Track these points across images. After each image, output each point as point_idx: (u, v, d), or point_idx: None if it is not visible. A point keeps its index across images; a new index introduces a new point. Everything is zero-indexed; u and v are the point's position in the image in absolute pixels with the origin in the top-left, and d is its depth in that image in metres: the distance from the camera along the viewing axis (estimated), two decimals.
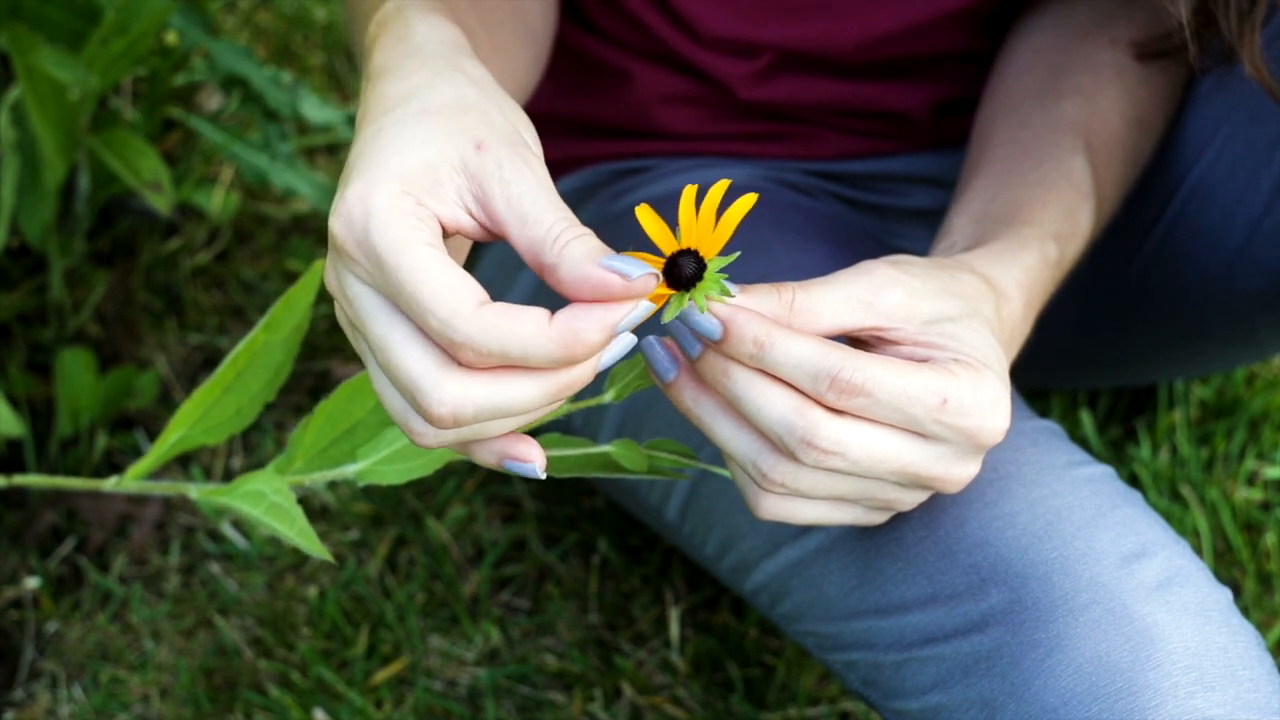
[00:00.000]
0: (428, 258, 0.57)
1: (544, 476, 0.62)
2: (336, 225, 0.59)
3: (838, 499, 0.67)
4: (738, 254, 0.63)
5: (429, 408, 0.58)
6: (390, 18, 0.68)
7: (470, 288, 0.57)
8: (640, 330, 0.69)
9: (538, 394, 0.58)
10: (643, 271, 0.57)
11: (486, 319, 0.56)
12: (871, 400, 0.64)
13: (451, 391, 0.57)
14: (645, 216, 0.61)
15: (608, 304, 0.57)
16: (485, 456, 0.62)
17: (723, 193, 0.61)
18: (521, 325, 0.56)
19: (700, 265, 0.61)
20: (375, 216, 0.58)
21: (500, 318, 0.56)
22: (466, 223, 0.60)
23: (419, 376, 0.58)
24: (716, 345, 0.64)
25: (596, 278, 0.57)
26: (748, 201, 0.61)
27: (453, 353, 0.57)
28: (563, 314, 0.57)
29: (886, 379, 0.64)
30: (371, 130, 0.61)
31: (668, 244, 0.62)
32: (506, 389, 0.58)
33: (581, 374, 0.58)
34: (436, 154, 0.60)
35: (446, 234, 0.60)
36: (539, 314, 0.57)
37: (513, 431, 0.61)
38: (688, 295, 0.62)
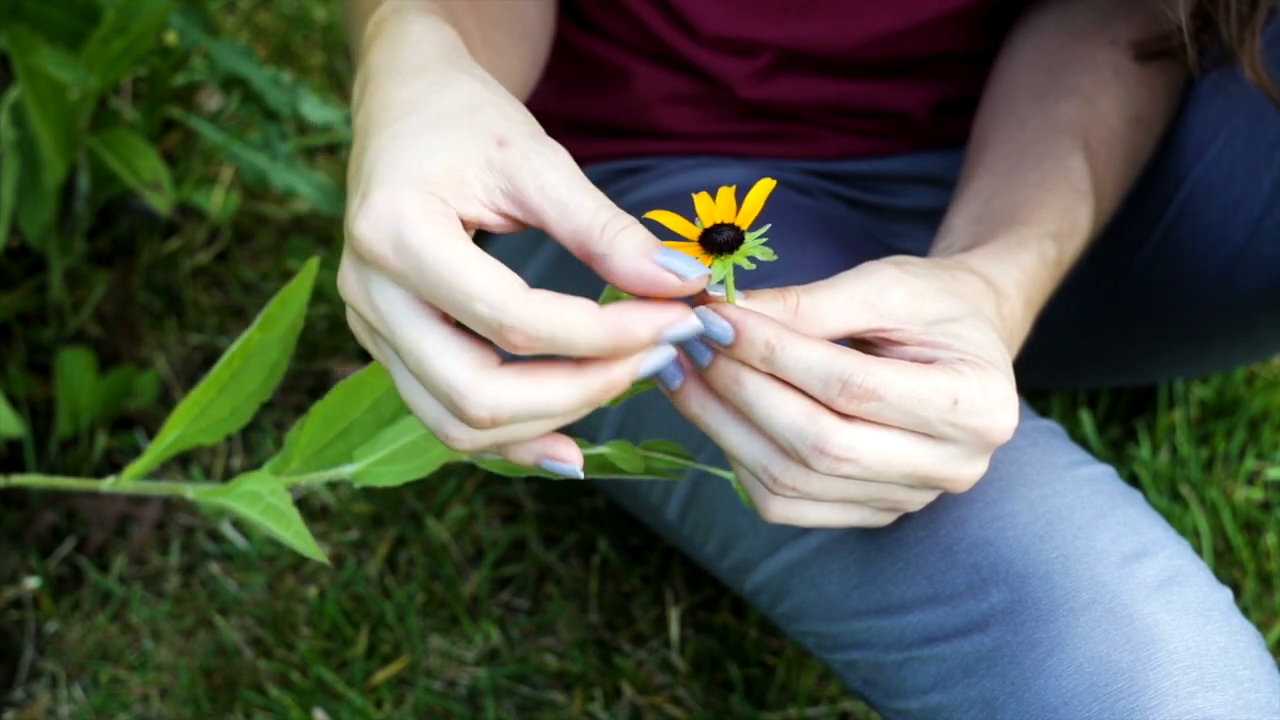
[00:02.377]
0: (468, 249, 0.57)
1: (584, 476, 0.62)
2: (364, 230, 0.58)
3: (847, 501, 0.68)
4: (769, 226, 0.64)
5: (467, 409, 0.58)
6: (388, 17, 0.68)
7: (513, 275, 0.57)
8: None
9: (575, 395, 0.58)
10: (699, 272, 0.57)
11: (537, 302, 0.56)
12: (883, 404, 0.64)
13: (490, 393, 0.57)
14: (663, 216, 0.62)
15: (661, 306, 0.57)
16: (523, 457, 0.62)
17: (733, 193, 0.62)
18: (572, 311, 0.57)
19: (737, 232, 0.62)
20: (407, 217, 0.58)
21: (551, 302, 0.57)
22: (492, 219, 0.60)
23: (457, 380, 0.58)
24: (728, 350, 0.64)
25: (653, 274, 0.57)
26: (765, 186, 0.61)
27: (502, 336, 0.57)
28: (611, 307, 0.57)
29: (897, 382, 0.64)
30: (384, 138, 0.61)
31: (690, 232, 0.62)
32: (545, 390, 0.58)
33: (619, 376, 0.58)
34: (458, 157, 0.60)
35: (468, 229, 0.60)
36: (588, 303, 0.57)
37: (550, 432, 0.61)
38: (730, 259, 0.62)
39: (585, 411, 0.60)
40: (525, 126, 0.61)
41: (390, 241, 0.58)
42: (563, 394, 0.58)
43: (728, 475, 0.72)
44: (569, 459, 0.61)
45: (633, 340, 0.57)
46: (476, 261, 0.57)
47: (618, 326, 0.57)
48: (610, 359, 0.58)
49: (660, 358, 0.59)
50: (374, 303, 0.60)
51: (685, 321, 0.58)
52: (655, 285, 0.57)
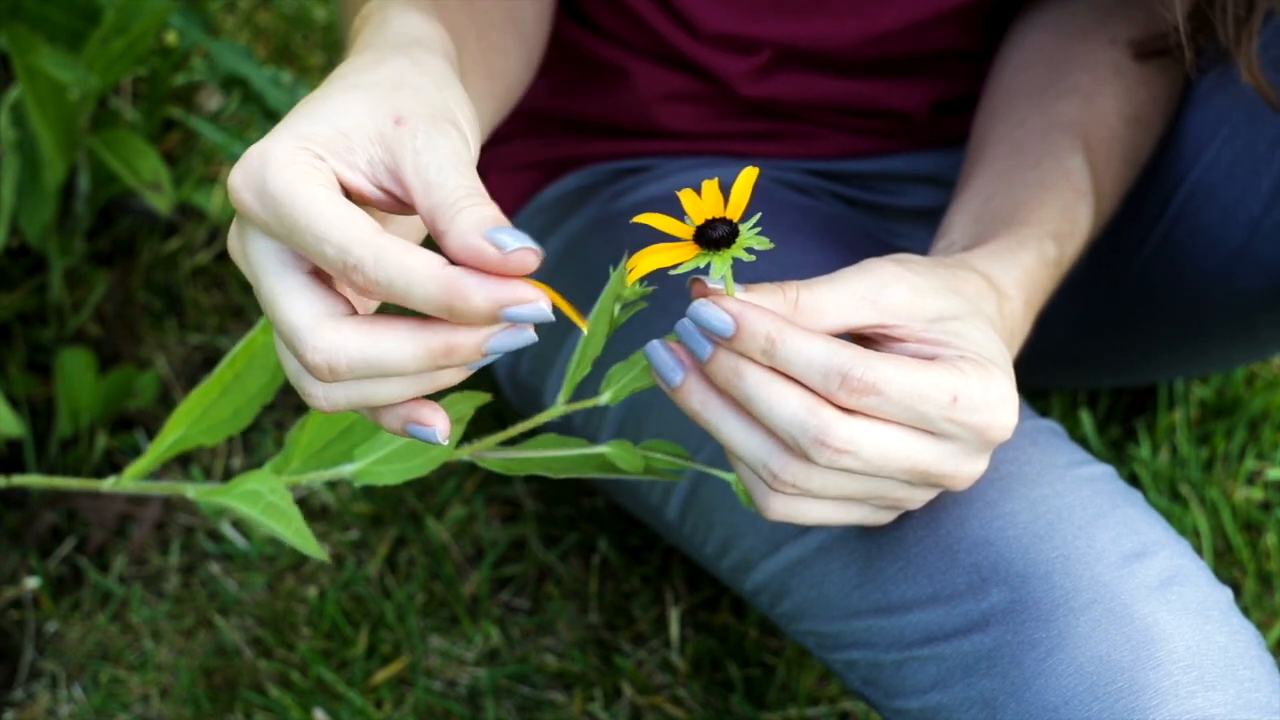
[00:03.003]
0: (324, 195, 0.57)
1: (445, 443, 0.62)
2: (235, 177, 0.59)
3: (847, 498, 0.67)
4: (760, 214, 0.64)
5: (305, 354, 0.58)
6: (373, 13, 0.69)
7: (367, 219, 0.57)
8: (647, 335, 0.69)
9: (414, 350, 0.58)
10: (520, 244, 0.56)
11: (382, 245, 0.56)
12: (883, 399, 0.64)
13: (327, 338, 0.57)
14: (652, 219, 0.62)
15: (506, 280, 0.56)
16: (390, 422, 0.61)
17: (717, 186, 0.62)
18: (413, 259, 0.56)
19: (731, 226, 0.61)
20: (271, 165, 0.58)
21: (395, 247, 0.56)
22: (374, 193, 0.60)
23: (298, 324, 0.58)
24: (728, 343, 0.63)
25: (475, 245, 0.56)
26: (750, 175, 0.61)
27: (347, 276, 0.57)
28: (457, 267, 0.57)
29: (897, 377, 0.64)
30: (299, 104, 0.62)
31: (683, 231, 0.62)
32: (381, 342, 0.58)
33: (463, 341, 0.58)
34: (352, 123, 0.60)
35: (352, 200, 0.60)
36: (433, 256, 0.57)
37: (417, 398, 0.61)
38: (715, 254, 0.62)
39: (438, 377, 0.59)
40: (430, 109, 0.61)
41: (254, 189, 0.58)
42: (400, 346, 0.58)
43: (727, 476, 0.72)
44: (430, 423, 0.61)
45: (465, 304, 0.56)
46: (332, 204, 0.57)
47: (452, 283, 0.56)
48: (452, 322, 0.58)
49: (513, 338, 0.58)
50: (247, 255, 0.60)
51: (533, 305, 0.57)
52: (478, 256, 0.56)
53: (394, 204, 0.61)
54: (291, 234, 0.58)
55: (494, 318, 0.57)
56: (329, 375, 0.58)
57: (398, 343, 0.58)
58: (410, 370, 0.58)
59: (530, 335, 0.58)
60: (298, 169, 0.58)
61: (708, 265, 0.62)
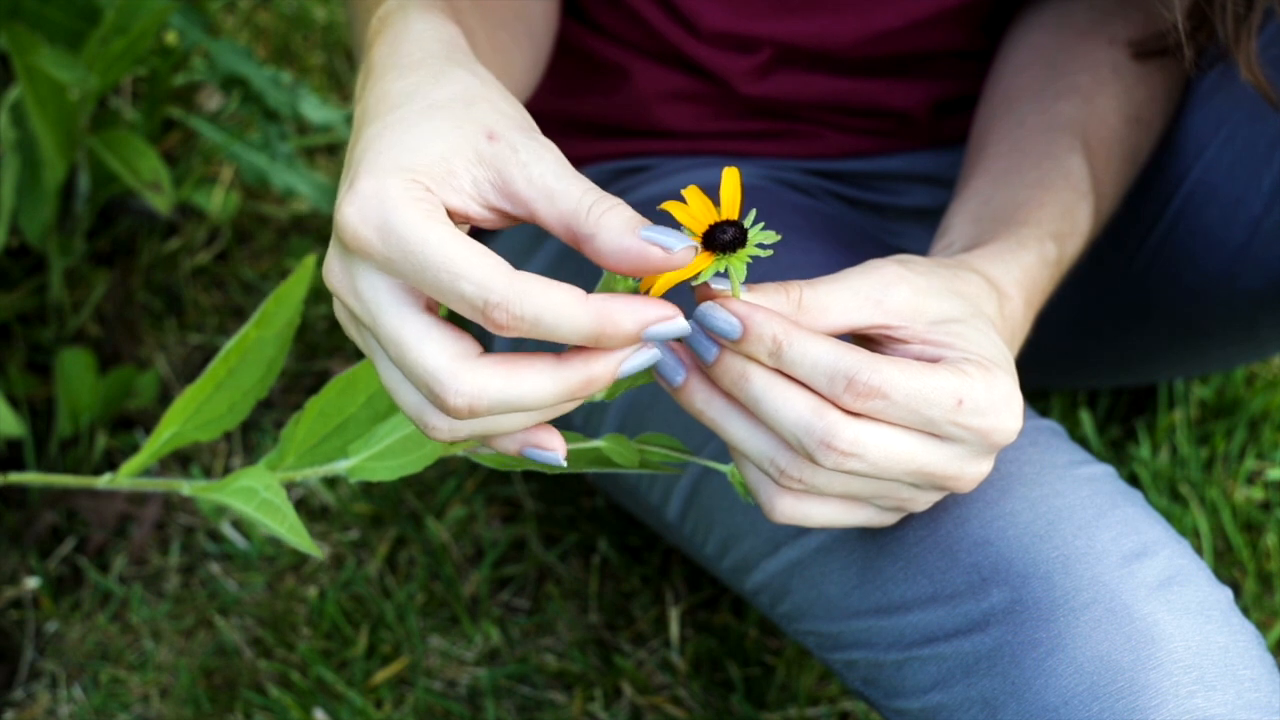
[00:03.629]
0: (454, 232, 0.58)
1: (566, 465, 0.63)
2: (350, 216, 0.58)
3: (852, 498, 0.67)
4: (755, 209, 0.64)
5: (446, 398, 0.58)
6: (391, 14, 0.68)
7: (498, 258, 0.57)
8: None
9: (554, 388, 0.58)
10: (684, 244, 0.57)
11: (523, 282, 0.57)
12: (888, 403, 0.64)
13: (469, 381, 0.57)
14: (671, 207, 0.62)
15: (649, 300, 0.57)
16: (507, 446, 0.62)
17: (699, 191, 0.62)
18: (558, 293, 0.57)
19: (740, 230, 0.61)
20: (392, 203, 0.58)
21: (537, 283, 0.57)
22: (478, 213, 0.60)
23: (437, 368, 0.58)
24: (734, 345, 0.63)
25: (637, 249, 0.57)
26: (733, 175, 0.61)
27: (487, 315, 0.57)
28: (597, 296, 0.57)
29: (902, 381, 0.64)
30: (376, 128, 0.61)
31: (698, 226, 0.62)
32: (523, 381, 0.58)
33: (600, 371, 0.59)
34: (447, 147, 0.60)
35: (459, 224, 0.60)
36: (573, 288, 0.57)
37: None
38: (732, 257, 0.62)
39: (564, 406, 0.60)
40: (516, 121, 0.61)
41: (375, 227, 0.58)
42: (540, 386, 0.58)
43: (724, 468, 0.72)
44: (552, 447, 0.62)
45: (617, 330, 0.57)
46: (462, 242, 0.57)
47: (603, 314, 0.57)
48: (592, 352, 0.58)
49: (644, 358, 0.59)
50: (358, 291, 0.60)
51: (673, 321, 0.58)
52: (641, 259, 0.57)
53: (503, 221, 0.61)
54: (421, 273, 0.57)
55: (637, 339, 0.58)
56: (468, 415, 0.58)
57: (539, 381, 0.58)
58: (548, 405, 0.59)
59: (656, 353, 0.60)
60: (420, 207, 0.58)
61: (725, 270, 0.62)
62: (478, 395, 0.58)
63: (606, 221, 0.57)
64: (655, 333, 0.58)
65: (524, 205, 0.60)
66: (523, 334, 0.57)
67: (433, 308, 0.59)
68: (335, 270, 0.61)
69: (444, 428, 0.60)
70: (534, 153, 0.60)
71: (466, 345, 0.58)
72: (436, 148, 0.60)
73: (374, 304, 0.59)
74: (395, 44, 0.66)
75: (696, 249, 0.58)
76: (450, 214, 0.60)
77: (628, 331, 0.57)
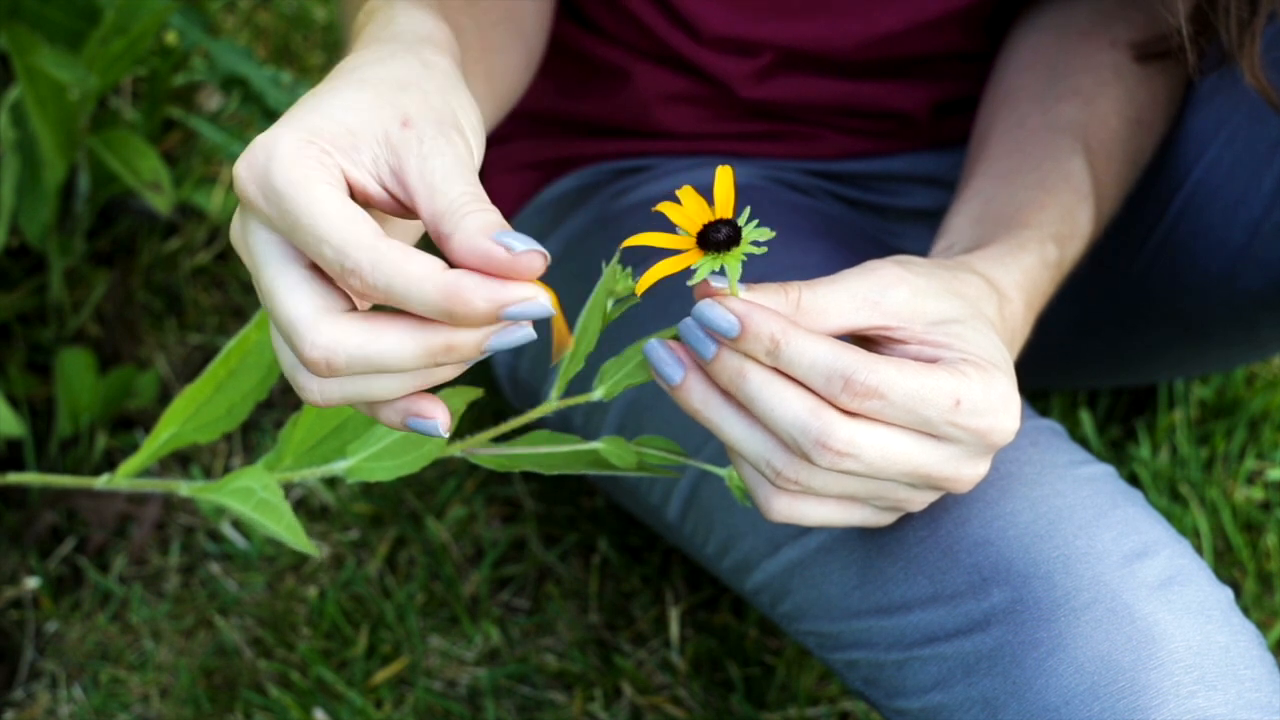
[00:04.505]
0: (327, 193, 0.57)
1: (447, 435, 0.61)
2: (240, 168, 0.59)
3: (849, 498, 0.67)
4: (749, 207, 0.64)
5: (303, 349, 0.58)
6: (378, 8, 0.69)
7: (369, 222, 0.57)
8: (643, 333, 0.69)
9: (414, 349, 0.58)
10: (527, 246, 0.57)
11: (382, 250, 0.56)
12: (885, 403, 0.64)
13: (326, 334, 0.57)
14: (668, 209, 0.62)
15: (505, 281, 0.57)
16: (390, 416, 0.61)
17: (694, 191, 0.62)
18: (412, 265, 0.56)
19: (734, 228, 0.61)
20: (277, 158, 0.58)
21: (394, 252, 0.56)
22: (377, 193, 0.60)
23: (297, 319, 0.58)
24: (732, 343, 0.63)
25: (484, 249, 0.56)
26: (726, 173, 0.61)
27: (344, 280, 0.57)
28: (456, 270, 0.57)
29: (900, 381, 0.64)
30: (306, 95, 0.61)
31: (681, 242, 0.62)
32: (381, 338, 0.57)
33: (463, 341, 0.58)
34: (359, 121, 0.60)
35: (355, 198, 0.60)
36: (433, 260, 0.57)
37: (417, 392, 0.61)
38: (727, 255, 0.62)
39: (435, 374, 0.59)
40: (436, 113, 0.61)
41: (258, 180, 0.58)
42: (400, 345, 0.57)
43: (722, 471, 0.72)
44: (432, 415, 0.61)
45: (467, 307, 0.56)
46: (333, 203, 0.57)
47: (453, 289, 0.56)
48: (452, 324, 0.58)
49: (514, 335, 0.58)
50: (248, 245, 0.60)
51: (533, 301, 0.57)
52: (486, 258, 0.56)
53: (396, 206, 0.61)
54: (293, 230, 0.58)
55: (494, 318, 0.57)
56: (326, 370, 0.58)
57: (398, 340, 0.58)
58: (409, 367, 0.58)
59: (529, 332, 0.59)
60: (303, 165, 0.58)
61: (720, 268, 0.62)
62: (332, 348, 0.57)
63: (465, 224, 0.57)
64: (515, 312, 0.57)
65: (409, 195, 0.60)
66: (380, 301, 0.57)
67: (318, 267, 0.59)
68: (235, 227, 0.61)
69: (314, 389, 0.60)
70: (435, 147, 0.59)
71: (334, 300, 0.58)
72: (348, 119, 0.60)
73: (259, 258, 0.59)
74: (376, 32, 0.66)
75: (543, 256, 0.57)
76: (349, 186, 0.59)
77: (479, 309, 0.56)
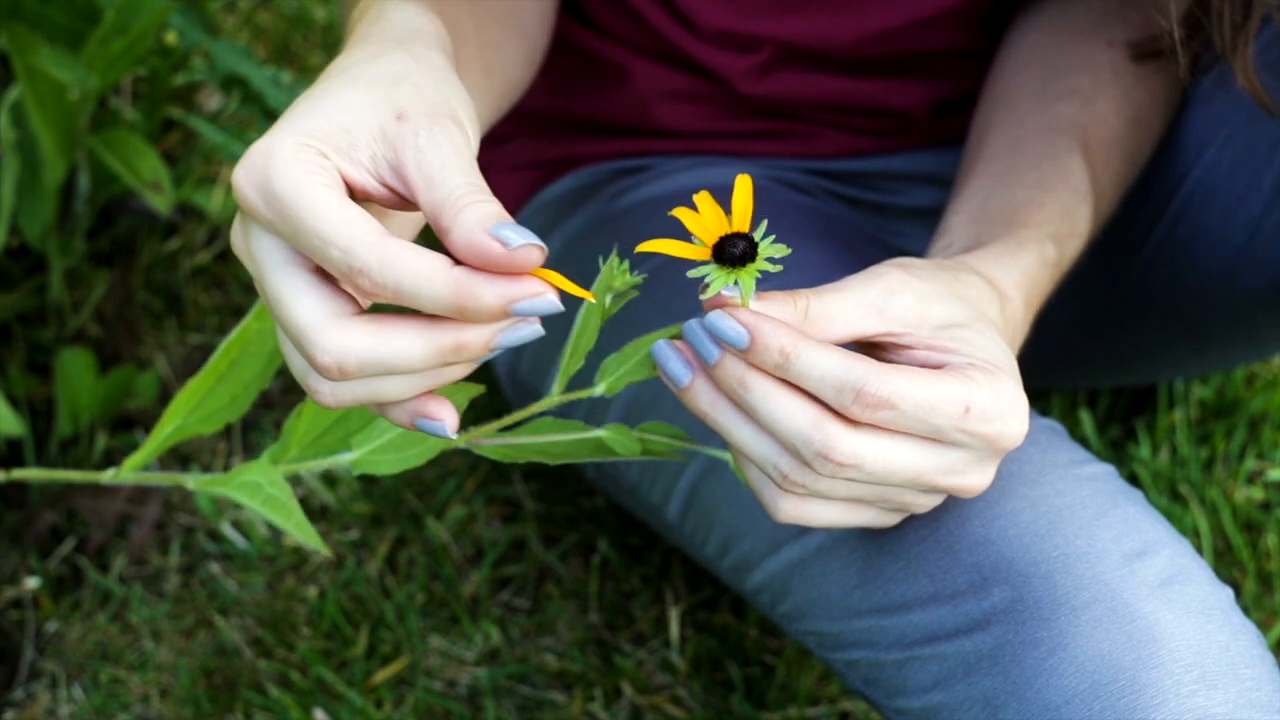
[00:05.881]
0: (328, 195, 0.57)
1: (454, 437, 0.62)
2: (239, 175, 0.59)
3: (855, 500, 0.67)
4: (766, 220, 0.64)
5: (314, 355, 0.58)
6: (371, 5, 0.69)
7: (372, 222, 0.57)
8: (643, 332, 0.69)
9: (424, 350, 0.58)
10: (524, 241, 0.56)
11: (388, 249, 0.56)
12: (896, 413, 0.63)
13: (336, 339, 0.57)
14: (682, 214, 0.62)
15: (513, 277, 0.57)
16: (399, 416, 0.62)
17: (710, 198, 0.62)
18: (420, 262, 0.56)
19: (751, 244, 0.61)
20: (275, 163, 0.58)
21: (401, 250, 0.56)
22: (377, 190, 0.60)
23: (306, 324, 0.58)
24: (742, 354, 0.63)
25: (481, 242, 0.56)
26: (745, 182, 0.61)
27: (353, 281, 0.57)
28: (464, 269, 0.57)
29: (911, 391, 0.63)
30: (300, 98, 0.61)
31: (696, 253, 0.62)
32: (391, 341, 0.58)
33: (472, 339, 0.58)
34: (354, 119, 0.60)
35: (355, 196, 0.60)
36: (440, 258, 0.57)
37: (425, 392, 0.61)
38: (741, 271, 0.62)
39: (445, 373, 0.59)
40: (432, 105, 0.61)
41: (258, 186, 0.58)
42: (410, 346, 0.58)
43: (725, 455, 0.72)
44: (440, 417, 0.61)
45: (477, 304, 0.56)
46: (337, 205, 0.57)
47: (463, 286, 0.56)
48: (462, 320, 0.58)
49: (523, 332, 0.58)
50: (251, 252, 0.60)
51: (542, 297, 0.57)
52: (483, 253, 0.56)
53: (396, 200, 0.61)
54: (296, 234, 0.58)
55: (504, 314, 0.57)
56: (338, 375, 0.58)
57: (407, 342, 0.58)
58: (419, 368, 0.58)
59: (537, 328, 0.59)
60: (302, 168, 0.58)
61: (735, 283, 0.62)
62: (343, 352, 0.57)
63: (463, 217, 0.57)
64: (524, 308, 0.57)
65: (409, 189, 0.60)
66: (390, 301, 0.57)
67: (322, 270, 0.59)
68: (236, 234, 0.61)
69: (326, 391, 0.60)
70: (432, 139, 0.59)
71: (341, 304, 0.58)
72: (343, 118, 0.60)
73: (262, 264, 0.59)
74: (367, 29, 0.66)
75: (541, 250, 0.57)
76: (349, 186, 0.59)
77: (489, 305, 0.56)
